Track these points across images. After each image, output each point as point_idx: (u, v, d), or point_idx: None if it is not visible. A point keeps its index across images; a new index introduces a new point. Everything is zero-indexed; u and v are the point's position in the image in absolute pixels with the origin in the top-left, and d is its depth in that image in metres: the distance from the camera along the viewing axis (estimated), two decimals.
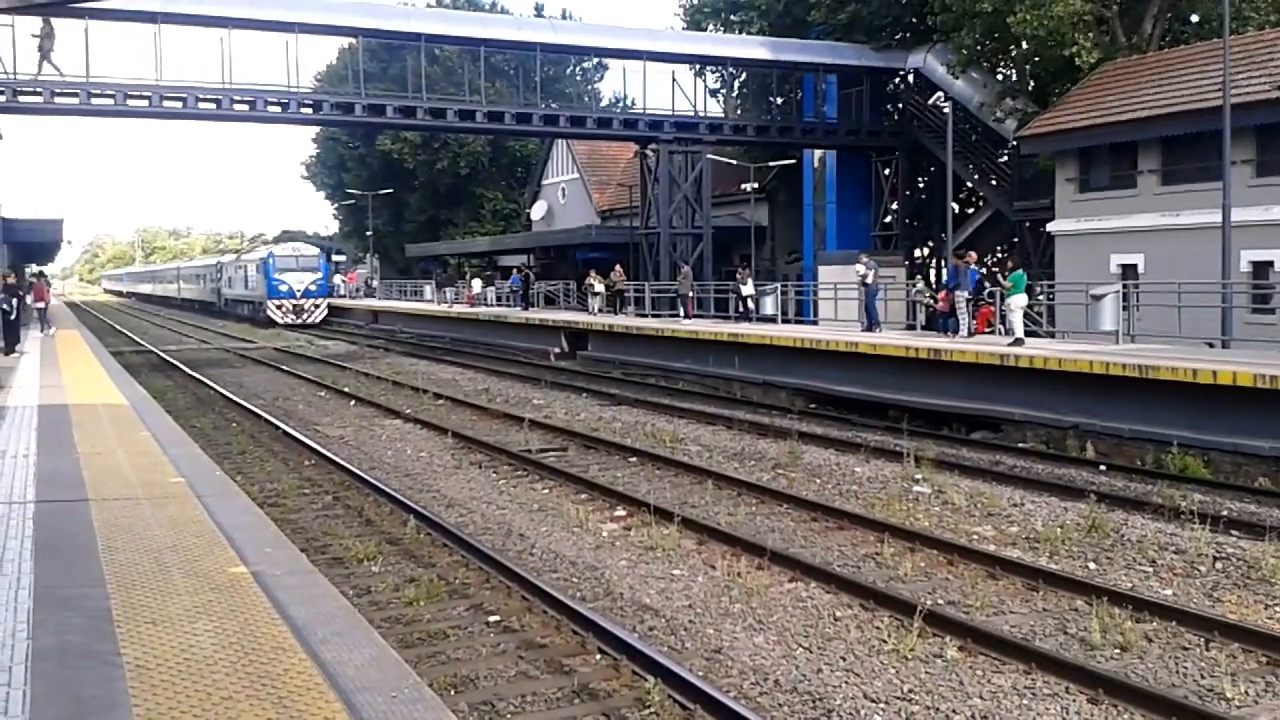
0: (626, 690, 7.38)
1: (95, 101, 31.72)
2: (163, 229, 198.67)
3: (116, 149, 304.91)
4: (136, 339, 47.52)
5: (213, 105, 32.76)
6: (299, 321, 54.98)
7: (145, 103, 32.10)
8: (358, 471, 14.90)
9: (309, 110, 35.41)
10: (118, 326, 60.57)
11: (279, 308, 55.28)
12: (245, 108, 33.26)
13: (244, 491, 10.08)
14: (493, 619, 8.92)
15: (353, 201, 73.63)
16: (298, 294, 55.62)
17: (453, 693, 7.37)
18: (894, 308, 30.82)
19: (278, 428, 19.40)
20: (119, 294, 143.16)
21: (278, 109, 33.88)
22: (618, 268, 38.13)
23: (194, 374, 29.41)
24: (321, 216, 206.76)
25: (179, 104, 32.44)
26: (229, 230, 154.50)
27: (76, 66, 31.77)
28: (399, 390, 26.01)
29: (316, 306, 56.70)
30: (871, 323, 25.06)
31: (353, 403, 23.77)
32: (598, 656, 7.96)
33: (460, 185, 68.47)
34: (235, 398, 23.86)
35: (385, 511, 12.82)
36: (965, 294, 23.01)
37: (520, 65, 42.48)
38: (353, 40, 42.49)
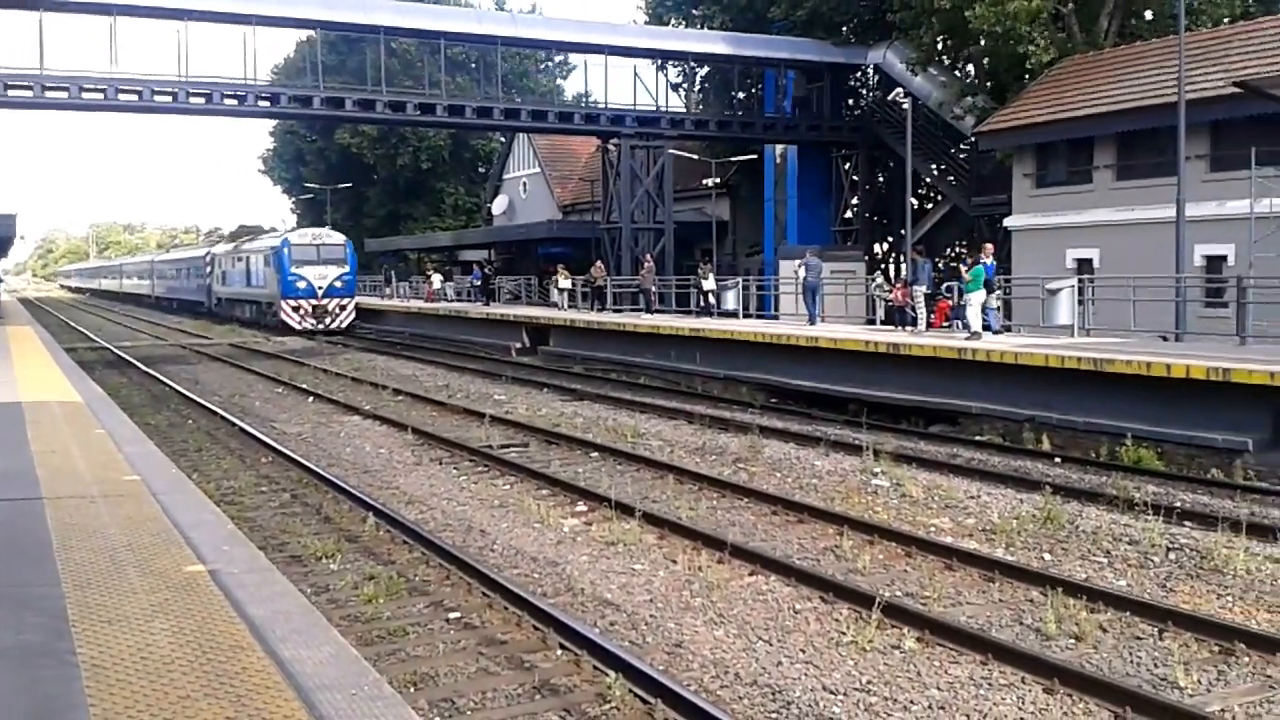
0: (587, 685, 7.39)
1: (49, 94, 31.28)
2: (117, 224, 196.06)
3: (70, 142, 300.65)
4: (92, 335, 46.90)
5: (168, 98, 32.39)
6: (320, 327, 43.72)
7: (100, 95, 31.69)
8: (316, 468, 14.80)
9: (266, 103, 35.13)
10: (73, 324, 59.70)
11: (295, 309, 43.93)
12: (201, 101, 32.92)
13: (200, 489, 9.98)
14: (453, 615, 8.90)
15: (310, 196, 73.02)
16: (319, 292, 44.04)
17: (413, 690, 7.35)
18: (854, 302, 31.16)
19: (234, 425, 19.22)
20: (80, 291, 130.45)
21: (234, 102, 33.56)
22: (599, 264, 37.62)
23: (149, 370, 29.07)
24: (279, 211, 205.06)
25: (134, 97, 32.04)
26: (184, 225, 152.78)
27: (30, 58, 31.35)
28: (358, 386, 25.84)
29: (342, 308, 44.76)
30: (811, 317, 26.16)
31: (311, 399, 23.59)
32: (558, 652, 7.96)
33: (420, 180, 68.11)
34: (191, 394, 23.62)
35: (344, 508, 12.74)
36: (923, 288, 23.25)
37: (481, 59, 42.40)
38: (311, 33, 42.17)
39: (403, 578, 9.86)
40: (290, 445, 17.14)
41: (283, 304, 44.11)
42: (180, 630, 5.16)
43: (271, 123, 72.68)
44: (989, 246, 22.42)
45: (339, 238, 46.70)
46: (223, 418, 20.15)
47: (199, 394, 23.85)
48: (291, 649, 4.92)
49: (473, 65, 57.46)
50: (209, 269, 58.54)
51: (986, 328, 20.72)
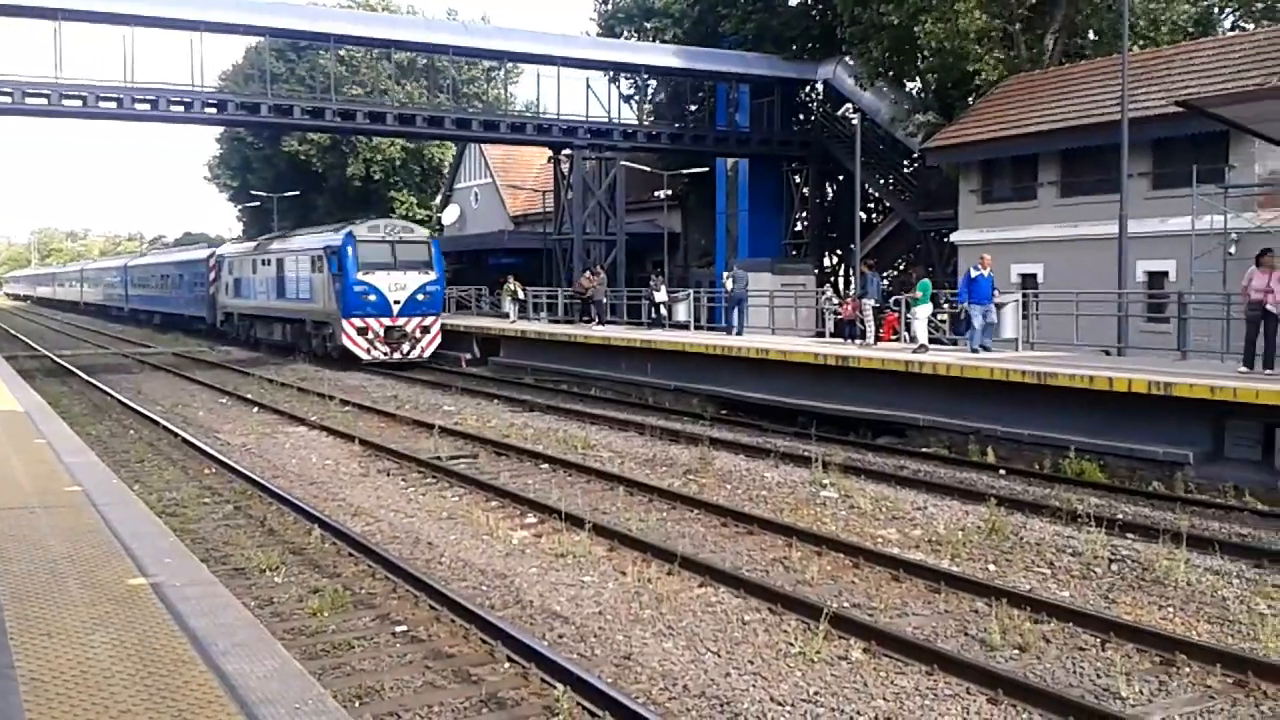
0: (535, 699, 7.36)
1: None
2: (59, 230, 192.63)
3: (10, 148, 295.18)
4: (33, 344, 46.02)
5: (114, 104, 31.89)
6: (396, 359, 32.53)
7: (44, 101, 31.11)
8: (260, 480, 14.62)
9: (213, 110, 34.67)
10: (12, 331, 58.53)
11: (363, 333, 32.18)
12: (147, 107, 32.45)
13: (142, 500, 9.82)
14: (399, 629, 8.82)
15: (257, 204, 72.23)
16: (395, 308, 32.48)
17: (358, 704, 7.28)
18: (804, 315, 31.42)
19: (177, 435, 18.95)
20: (22, 299, 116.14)
21: (181, 108, 33.11)
22: (589, 272, 34.94)
23: (91, 380, 28.57)
24: (225, 219, 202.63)
25: (79, 103, 31.51)
26: (128, 232, 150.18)
27: None
28: (304, 397, 25.58)
29: (425, 330, 33.17)
30: (729, 327, 27.36)
31: (256, 409, 23.31)
32: (506, 665, 7.92)
33: (370, 189, 67.64)
34: (133, 404, 23.26)
35: (289, 520, 12.60)
36: (872, 302, 23.47)
37: (430, 67, 42.13)
38: (260, 39, 41.74)
39: (348, 591, 9.77)
40: (234, 456, 16.93)
41: (344, 325, 32.07)
42: (121, 644, 5.08)
43: (218, 130, 71.81)
44: (987, 258, 21.23)
45: (421, 232, 36.06)
46: (165, 428, 19.86)
47: (141, 404, 23.49)
48: (234, 663, 4.86)
49: (422, 74, 57.24)
50: (213, 275, 46.33)
51: (984, 347, 20.16)
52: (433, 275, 33.33)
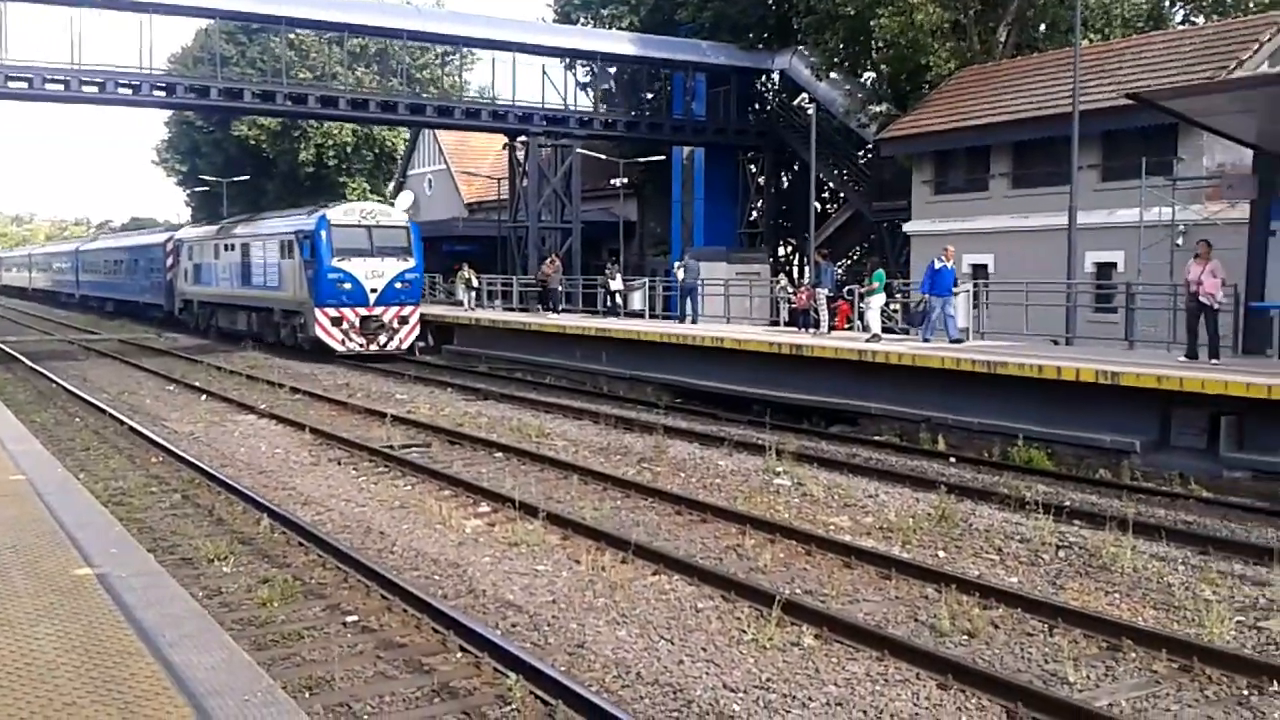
0: (488, 688, 7.33)
1: None
2: (4, 214, 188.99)
3: None
4: None
5: (60, 87, 31.33)
6: (373, 350, 30.92)
7: None
8: (208, 468, 14.45)
9: (162, 93, 34.13)
10: None
11: (338, 323, 30.52)
12: (95, 90, 31.91)
13: (88, 489, 9.69)
14: (350, 619, 8.75)
15: (207, 189, 71.23)
16: (372, 297, 30.79)
17: (308, 694, 7.21)
18: (758, 304, 31.57)
19: (124, 423, 18.67)
20: None
21: (129, 91, 32.57)
22: (550, 259, 34.47)
23: (36, 366, 28.07)
24: (174, 204, 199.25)
25: (24, 85, 30.90)
26: (75, 217, 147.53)
27: None
28: (253, 385, 25.27)
29: (403, 320, 31.48)
30: (683, 316, 27.68)
31: (204, 397, 23.01)
32: (459, 654, 7.89)
33: (322, 174, 66.91)
34: (79, 391, 22.88)
35: (238, 510, 12.46)
36: (826, 291, 23.60)
37: (383, 52, 41.67)
38: (210, 22, 41.08)
39: (298, 580, 9.68)
40: (182, 445, 16.72)
41: (317, 314, 30.40)
42: (66, 635, 5.01)
43: (167, 113, 70.67)
44: (950, 249, 21.02)
45: (399, 216, 33.69)
46: (112, 416, 19.56)
47: (87, 391, 23.12)
48: (182, 654, 4.81)
49: (374, 59, 56.64)
50: (171, 261, 44.29)
51: (957, 340, 20.10)
52: (411, 262, 31.59)
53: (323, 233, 30.51)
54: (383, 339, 31.03)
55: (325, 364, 30.03)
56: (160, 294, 45.86)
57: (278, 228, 34.42)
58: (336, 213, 31.72)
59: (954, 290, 20.79)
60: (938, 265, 20.26)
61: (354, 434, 17.94)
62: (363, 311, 30.63)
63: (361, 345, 30.72)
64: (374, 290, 30.71)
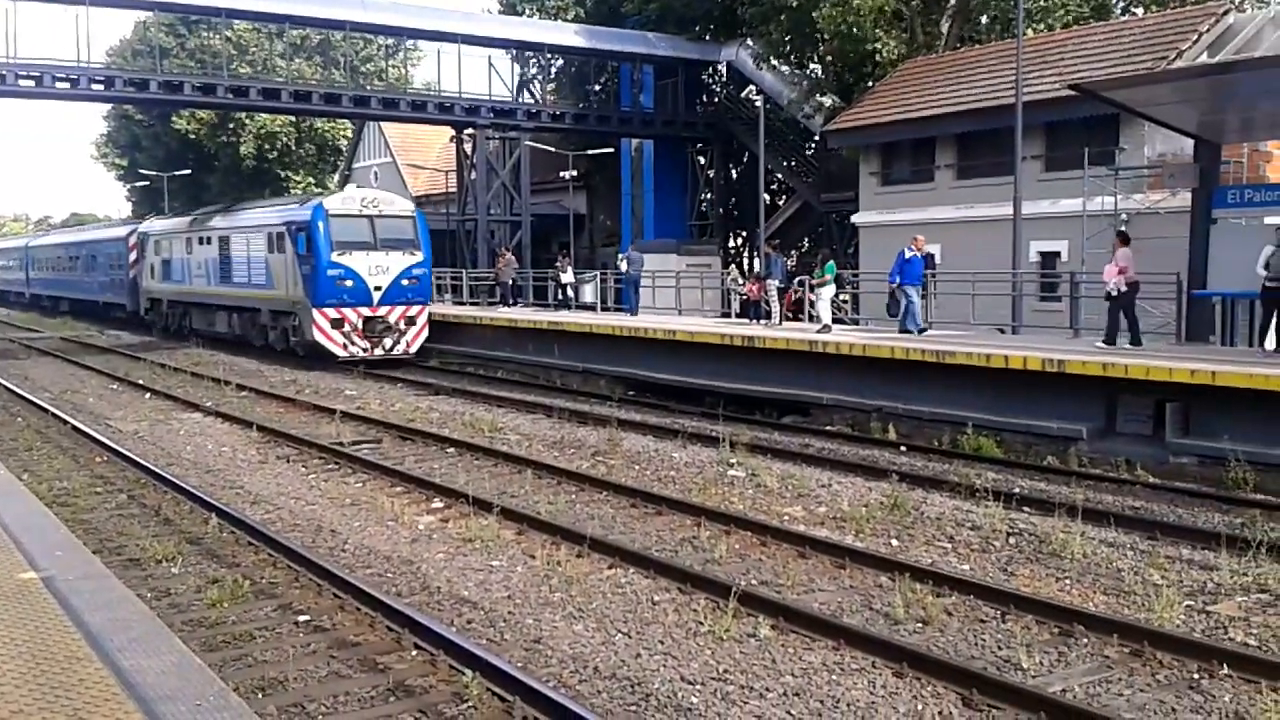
0: (444, 685, 7.27)
1: None
2: None
3: None
4: None
5: None
6: (378, 355, 27.99)
7: None
8: (154, 468, 14.22)
9: (100, 87, 33.45)
10: None
11: (338, 325, 27.48)
12: (31, 84, 31.23)
13: (32, 491, 9.49)
14: (302, 618, 8.64)
15: (148, 183, 70.02)
16: (376, 296, 27.86)
17: (260, 696, 7.10)
18: (709, 296, 31.65)
19: (67, 422, 18.33)
20: None
21: (67, 85, 31.91)
22: (502, 253, 33.95)
23: None
24: (114, 199, 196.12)
25: None
26: (13, 214, 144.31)
27: None
28: (199, 382, 24.87)
29: (411, 321, 28.64)
30: (630, 308, 27.73)
31: (148, 395, 22.63)
32: (414, 652, 7.81)
33: (264, 168, 66.02)
34: (20, 391, 22.45)
35: (185, 510, 12.26)
36: (776, 282, 23.69)
37: (324, 43, 41.16)
38: (148, 14, 40.37)
39: (249, 580, 9.54)
40: (127, 444, 16.43)
41: (316, 315, 27.21)
42: (12, 641, 4.90)
43: (106, 107, 69.37)
44: (920, 239, 20.57)
45: (405, 205, 30.57)
46: (54, 415, 19.20)
47: (29, 390, 22.69)
48: (132, 658, 4.71)
49: (316, 51, 55.99)
50: (135, 256, 40.72)
51: (923, 330, 19.92)
52: (419, 256, 28.57)
53: (320, 224, 27.41)
54: (388, 342, 28.16)
55: (269, 360, 29.54)
56: (122, 293, 42.57)
57: (265, 219, 31.06)
58: (334, 201, 28.65)
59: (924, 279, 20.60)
60: (908, 254, 19.98)
61: (303, 431, 17.73)
62: (366, 312, 27.67)
63: (365, 350, 27.77)
64: (378, 288, 27.77)
